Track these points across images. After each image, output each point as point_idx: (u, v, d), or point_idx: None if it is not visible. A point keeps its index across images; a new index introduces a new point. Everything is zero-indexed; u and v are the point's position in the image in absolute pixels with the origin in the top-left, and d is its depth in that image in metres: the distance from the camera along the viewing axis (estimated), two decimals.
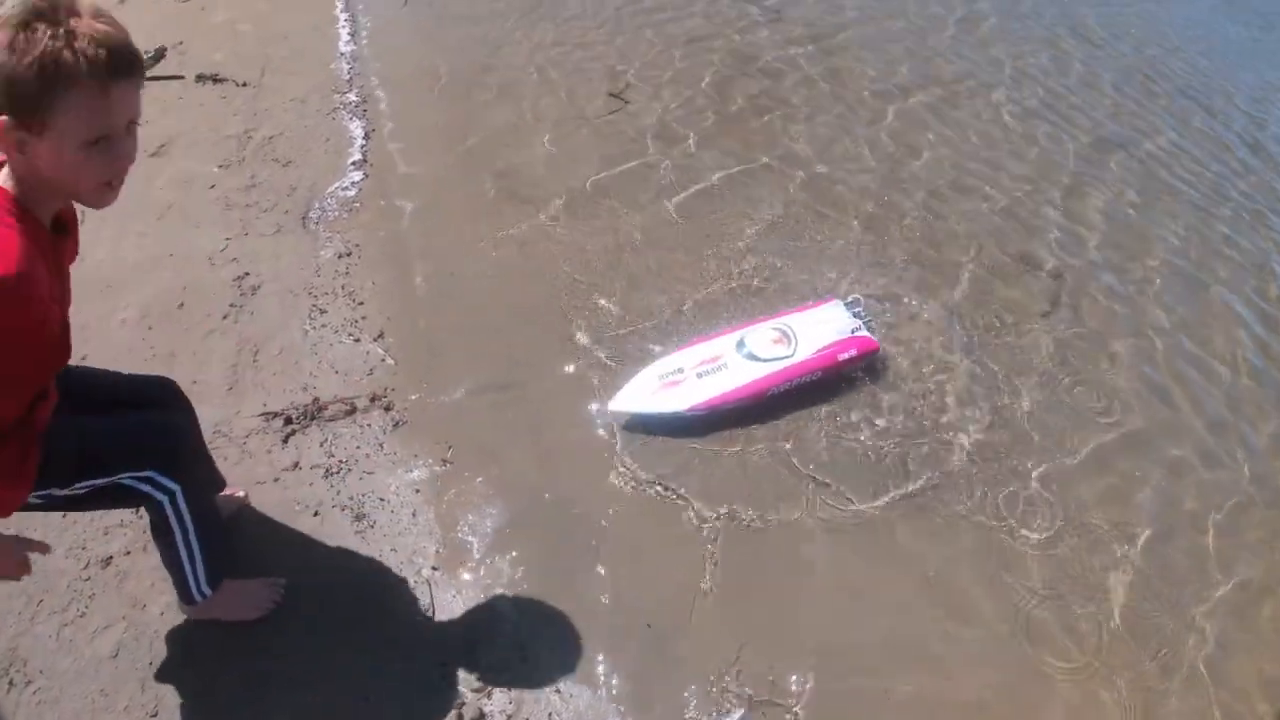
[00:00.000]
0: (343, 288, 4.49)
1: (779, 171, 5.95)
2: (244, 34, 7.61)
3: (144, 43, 7.31)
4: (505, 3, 7.88)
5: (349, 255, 4.70)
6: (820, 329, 4.47)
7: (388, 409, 3.86)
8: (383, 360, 4.10)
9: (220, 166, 5.53)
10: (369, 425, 3.80)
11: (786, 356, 4.28)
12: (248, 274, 4.60)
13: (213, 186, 5.35)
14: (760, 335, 4.39)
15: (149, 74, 6.89)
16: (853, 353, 4.41)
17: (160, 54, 7.26)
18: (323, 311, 4.35)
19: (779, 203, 5.63)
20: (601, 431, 3.96)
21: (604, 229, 5.15)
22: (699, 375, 4.16)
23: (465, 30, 7.41)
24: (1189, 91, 8.29)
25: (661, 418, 4.04)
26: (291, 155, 5.57)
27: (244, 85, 6.60)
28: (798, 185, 5.81)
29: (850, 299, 4.80)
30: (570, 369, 4.23)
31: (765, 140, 6.29)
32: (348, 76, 6.54)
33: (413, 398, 3.94)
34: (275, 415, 3.84)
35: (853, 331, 4.49)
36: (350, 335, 4.22)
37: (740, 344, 4.35)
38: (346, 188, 5.21)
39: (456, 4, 7.90)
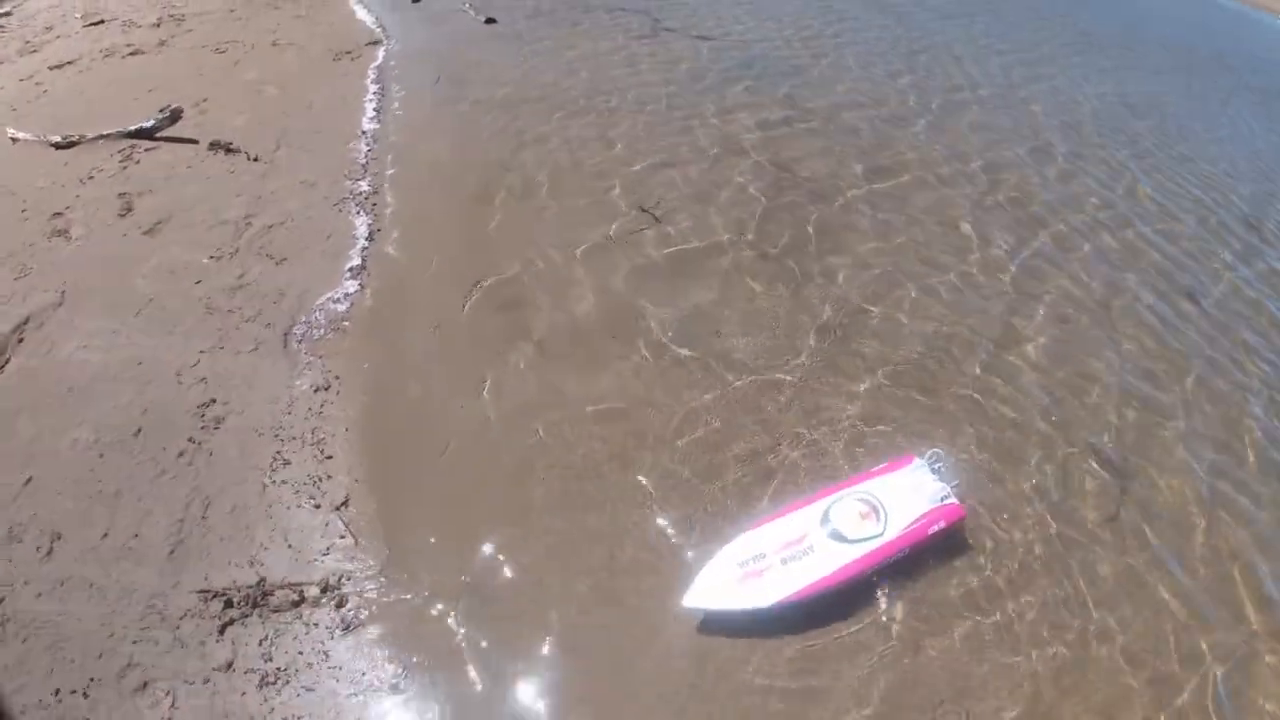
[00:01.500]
0: (313, 433, 3.95)
1: (810, 308, 5.34)
2: (269, 98, 7.26)
3: (171, 98, 7.02)
4: (537, 91, 7.42)
5: (327, 389, 4.17)
6: (908, 497, 4.00)
7: (340, 605, 3.28)
8: (342, 537, 3.53)
9: (211, 257, 5.07)
10: (316, 625, 3.22)
11: (877, 535, 3.82)
12: (214, 400, 4.09)
13: (199, 282, 4.89)
14: (847, 509, 3.90)
15: (162, 134, 6.54)
16: (942, 524, 3.97)
17: (175, 115, 6.92)
18: (286, 463, 3.81)
19: (814, 348, 5.01)
20: (582, 668, 3.29)
21: (618, 383, 4.51)
22: (784, 561, 3.63)
23: (491, 120, 6.93)
24: None
25: (743, 614, 3.46)
26: (288, 251, 5.10)
27: (255, 160, 6.19)
28: (831, 329, 5.19)
29: (930, 455, 4.24)
30: (559, 577, 3.55)
31: (798, 275, 5.68)
32: (364, 160, 6.10)
33: (369, 592, 3.36)
34: (216, 595, 3.30)
35: (941, 499, 4.03)
36: (311, 499, 3.66)
37: (825, 519, 3.84)
38: (338, 299, 4.71)
39: (487, 87, 7.48)
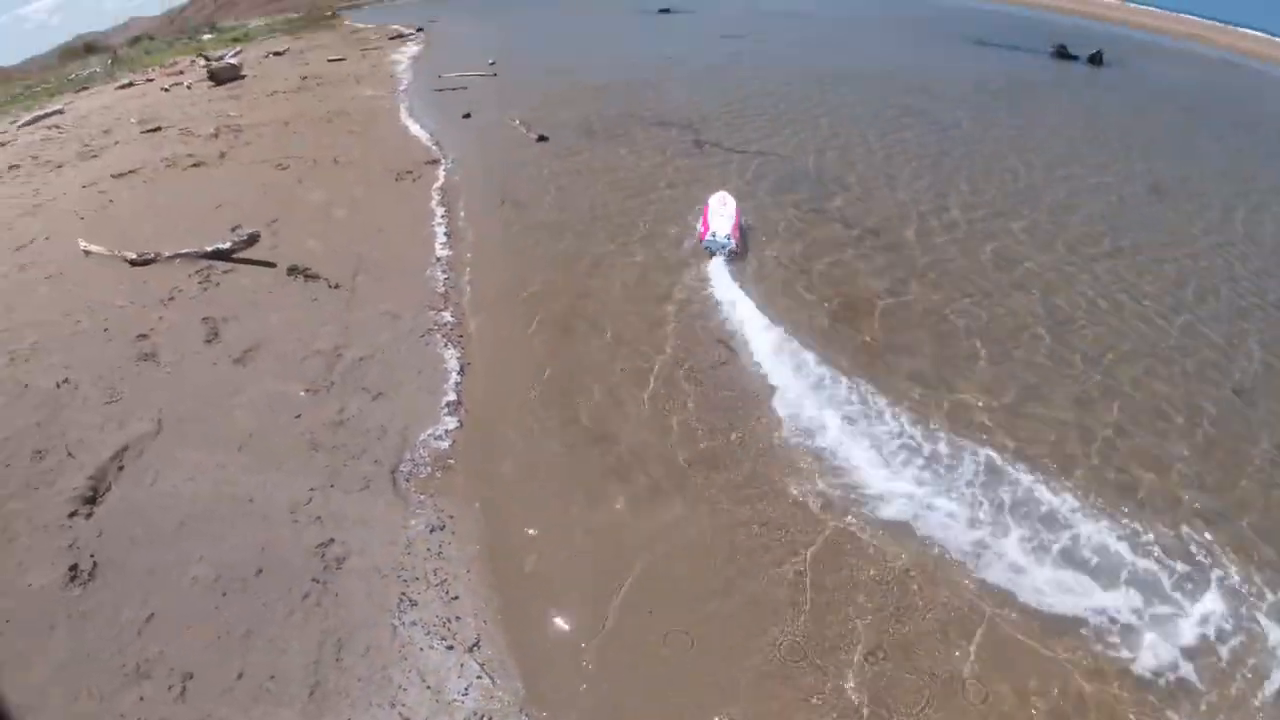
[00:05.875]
0: (435, 573, 4.18)
1: None
2: (339, 221, 7.67)
3: (240, 215, 7.40)
4: (595, 217, 7.89)
5: (442, 529, 4.42)
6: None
7: None
8: (479, 677, 3.73)
9: (308, 390, 5.36)
10: None
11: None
12: (333, 540, 4.32)
13: (298, 416, 5.16)
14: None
15: (240, 256, 6.90)
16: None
17: (253, 238, 7.29)
18: (413, 603, 4.03)
19: None
20: None
21: (708, 516, 4.74)
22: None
23: (559, 244, 7.37)
24: None
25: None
26: (383, 386, 5.39)
27: (336, 287, 6.55)
28: None
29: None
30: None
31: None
32: (442, 290, 6.47)
33: None
34: None
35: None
36: (442, 639, 3.88)
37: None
38: (439, 436, 4.99)
39: (548, 211, 7.96)
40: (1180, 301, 7.34)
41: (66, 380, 5.86)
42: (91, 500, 4.89)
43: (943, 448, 5.15)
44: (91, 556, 4.44)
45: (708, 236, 7.57)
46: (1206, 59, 34.99)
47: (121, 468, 5.15)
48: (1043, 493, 4.87)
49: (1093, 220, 9.04)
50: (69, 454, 5.23)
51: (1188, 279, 7.80)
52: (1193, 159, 12.66)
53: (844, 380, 5.71)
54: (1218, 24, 54.26)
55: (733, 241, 7.56)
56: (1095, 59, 24.28)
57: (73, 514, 4.75)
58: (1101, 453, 5.25)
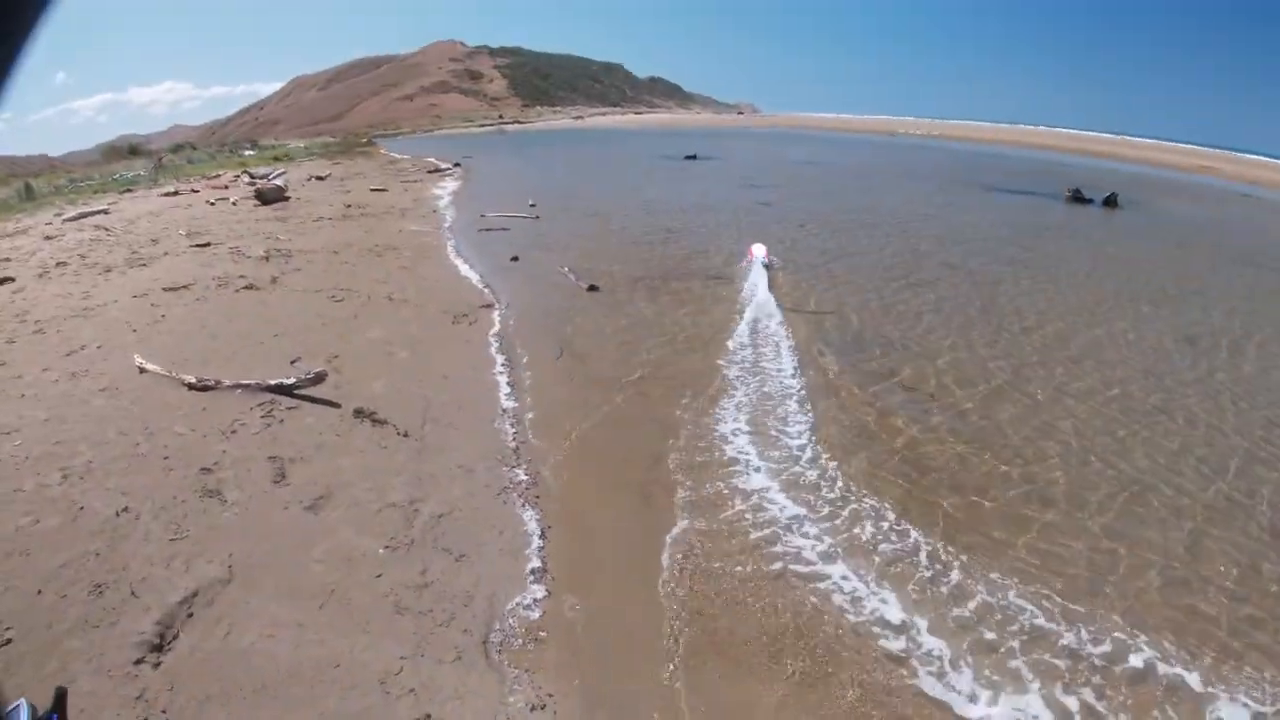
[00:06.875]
0: None
1: None
2: (400, 362, 7.89)
3: (298, 346, 7.55)
4: (659, 375, 8.17)
5: (542, 709, 4.40)
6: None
7: None
8: None
9: (387, 547, 5.41)
10: None
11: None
12: (429, 716, 4.29)
13: (379, 575, 5.19)
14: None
15: (305, 394, 7.04)
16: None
17: (320, 377, 7.46)
18: None
19: None
20: None
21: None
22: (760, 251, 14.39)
23: (627, 403, 7.57)
24: None
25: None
26: (464, 547, 5.47)
27: (405, 435, 6.69)
28: None
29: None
30: None
31: None
32: (513, 444, 6.63)
33: None
34: None
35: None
36: None
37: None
38: (528, 605, 5.03)
39: (608, 365, 8.26)
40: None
41: (126, 509, 5.86)
42: (159, 648, 4.81)
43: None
44: (163, 712, 4.35)
45: (753, 258, 13.45)
46: (1219, 192, 37.36)
47: (191, 614, 5.09)
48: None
49: (1132, 379, 9.41)
50: (132, 593, 5.17)
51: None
52: (1216, 301, 13.41)
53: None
54: (1223, 153, 57.82)
55: (767, 258, 13.56)
56: (1110, 201, 25.97)
57: (139, 661, 4.66)
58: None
